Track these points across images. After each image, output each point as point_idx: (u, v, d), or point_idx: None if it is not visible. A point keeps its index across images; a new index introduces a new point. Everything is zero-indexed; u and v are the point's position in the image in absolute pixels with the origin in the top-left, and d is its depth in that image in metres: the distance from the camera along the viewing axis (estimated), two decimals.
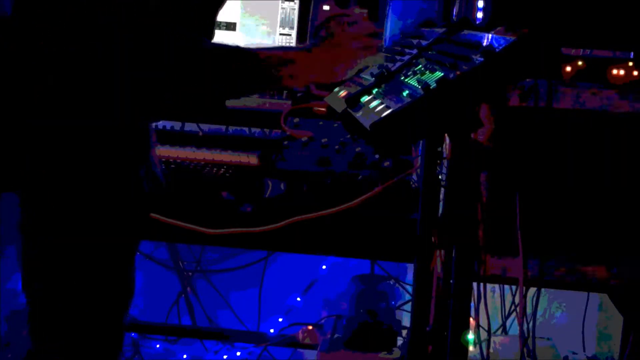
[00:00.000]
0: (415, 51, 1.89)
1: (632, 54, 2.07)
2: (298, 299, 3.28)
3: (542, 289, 2.49)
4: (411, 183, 2.15)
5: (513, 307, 2.65)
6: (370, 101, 1.76)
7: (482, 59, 1.60)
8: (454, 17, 2.12)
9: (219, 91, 1.65)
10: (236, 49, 1.67)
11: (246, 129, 2.48)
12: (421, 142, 2.11)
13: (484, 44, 1.67)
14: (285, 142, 2.30)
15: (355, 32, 1.78)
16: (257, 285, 3.23)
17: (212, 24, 1.73)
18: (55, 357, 1.66)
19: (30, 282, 1.68)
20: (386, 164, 2.18)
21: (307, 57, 1.72)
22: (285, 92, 2.52)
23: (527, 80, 2.01)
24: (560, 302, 3.05)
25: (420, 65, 1.80)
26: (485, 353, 2.50)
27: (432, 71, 1.71)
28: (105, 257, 1.67)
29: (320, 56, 1.74)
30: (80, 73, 1.55)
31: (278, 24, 2.63)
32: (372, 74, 1.87)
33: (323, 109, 2.28)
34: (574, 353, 2.85)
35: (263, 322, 3.26)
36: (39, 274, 1.66)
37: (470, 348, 2.28)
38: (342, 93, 1.91)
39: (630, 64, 2.04)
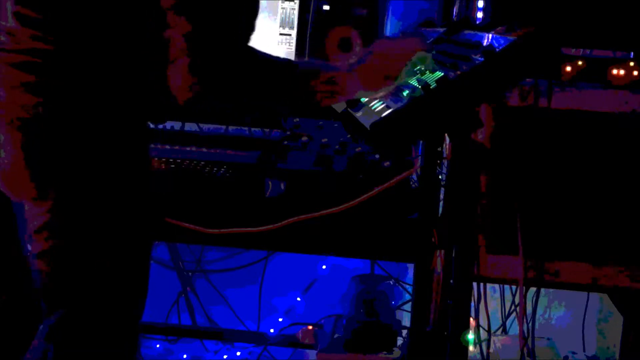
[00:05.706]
0: None
1: (632, 54, 2.07)
2: (298, 298, 3.28)
3: (542, 289, 2.49)
4: (411, 183, 2.15)
5: (513, 307, 2.65)
6: (370, 101, 1.76)
7: (482, 59, 1.60)
8: (454, 17, 2.12)
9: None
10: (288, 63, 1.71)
11: (246, 129, 2.48)
12: (421, 142, 2.11)
13: (484, 44, 1.67)
14: (285, 142, 2.29)
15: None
16: (257, 285, 3.22)
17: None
18: None
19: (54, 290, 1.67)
20: (386, 164, 2.18)
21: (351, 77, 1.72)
22: None
23: (527, 80, 2.02)
24: (560, 302, 3.05)
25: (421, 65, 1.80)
26: (485, 353, 2.50)
27: (432, 71, 1.71)
28: (127, 258, 1.69)
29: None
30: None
31: (278, 24, 2.63)
32: None
33: None
34: (574, 353, 2.85)
35: (263, 322, 3.26)
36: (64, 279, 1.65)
37: (470, 348, 2.28)
38: None
39: (631, 64, 2.04)
